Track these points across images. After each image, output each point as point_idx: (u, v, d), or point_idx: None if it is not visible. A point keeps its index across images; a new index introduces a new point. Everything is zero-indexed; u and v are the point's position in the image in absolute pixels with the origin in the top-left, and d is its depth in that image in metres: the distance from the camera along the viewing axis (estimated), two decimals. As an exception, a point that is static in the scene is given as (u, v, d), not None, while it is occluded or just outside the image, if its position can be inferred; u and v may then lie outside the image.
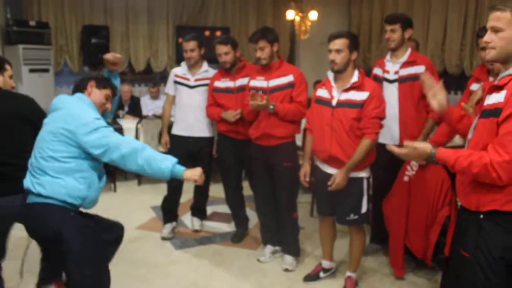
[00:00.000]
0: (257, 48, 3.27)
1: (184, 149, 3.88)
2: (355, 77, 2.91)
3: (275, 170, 3.39)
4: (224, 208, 4.49)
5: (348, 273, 3.18)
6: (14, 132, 2.61)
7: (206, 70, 3.92)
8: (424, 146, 2.03)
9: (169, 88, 4.05)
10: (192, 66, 3.89)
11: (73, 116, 2.34)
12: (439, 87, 2.22)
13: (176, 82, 3.96)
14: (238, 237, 4.01)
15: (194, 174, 2.38)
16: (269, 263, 3.59)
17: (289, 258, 3.51)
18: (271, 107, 3.20)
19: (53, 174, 2.30)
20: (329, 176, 2.96)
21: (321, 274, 3.34)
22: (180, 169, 2.36)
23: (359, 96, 2.87)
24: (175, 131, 4.02)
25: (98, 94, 2.54)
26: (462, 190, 2.11)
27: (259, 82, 3.38)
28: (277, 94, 3.29)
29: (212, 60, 3.96)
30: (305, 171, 3.18)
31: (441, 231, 3.03)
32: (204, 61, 3.94)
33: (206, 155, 4.00)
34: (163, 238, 4.00)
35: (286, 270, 3.45)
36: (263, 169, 3.46)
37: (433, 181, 3.05)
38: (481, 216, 1.96)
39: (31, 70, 6.51)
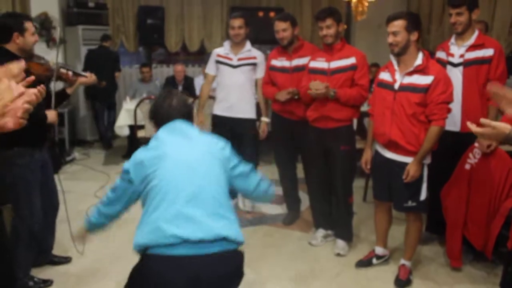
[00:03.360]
0: (324, 26, 3.21)
1: (228, 129, 3.84)
2: (419, 59, 2.79)
3: (331, 153, 3.34)
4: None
5: (403, 261, 3.11)
6: None
7: (249, 50, 3.89)
8: (504, 126, 1.92)
9: (210, 68, 4.01)
10: (236, 45, 3.87)
11: None
12: None
13: (218, 62, 3.93)
14: (289, 219, 4.01)
15: None
16: (321, 247, 3.56)
17: (341, 243, 3.48)
18: (332, 93, 3.14)
19: None
20: (388, 160, 2.90)
21: (374, 261, 3.28)
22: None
23: (423, 80, 2.76)
24: (217, 111, 4.00)
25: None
26: None
27: (320, 63, 3.32)
28: (338, 76, 3.22)
29: (263, 41, 3.92)
30: (366, 157, 3.12)
31: (504, 223, 2.88)
32: (247, 41, 3.91)
33: (250, 138, 3.98)
34: None
35: (338, 254, 3.42)
36: (319, 152, 3.42)
37: (497, 170, 2.90)
38: None
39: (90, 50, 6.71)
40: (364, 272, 3.21)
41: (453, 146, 3.14)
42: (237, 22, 3.79)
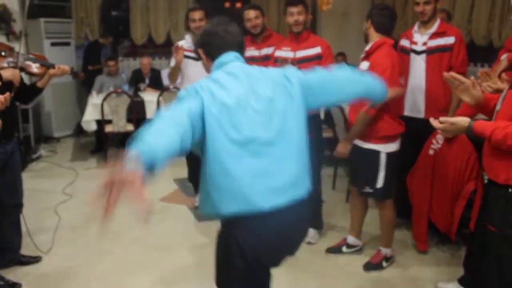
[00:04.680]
0: (295, 12, 3.22)
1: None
2: (368, 46, 2.91)
3: None
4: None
5: (379, 247, 3.18)
6: None
7: None
8: (462, 120, 2.00)
9: (173, 61, 3.90)
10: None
11: None
12: (470, 84, 2.09)
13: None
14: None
15: None
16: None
17: (311, 231, 3.53)
18: None
19: None
20: (353, 146, 3.00)
21: (344, 249, 3.34)
22: None
23: (365, 65, 2.87)
24: None
25: None
26: (490, 164, 2.09)
27: (285, 53, 3.34)
28: (304, 65, 3.25)
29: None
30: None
31: (466, 205, 3.00)
32: None
33: None
34: (196, 207, 4.09)
35: (309, 243, 3.47)
36: None
37: (459, 155, 3.00)
38: (510, 190, 1.96)
39: (53, 44, 6.56)
40: (334, 259, 3.28)
41: (418, 132, 3.22)
42: (197, 15, 3.75)
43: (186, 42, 3.88)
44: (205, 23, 3.71)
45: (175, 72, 3.93)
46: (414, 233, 3.36)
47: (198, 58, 3.72)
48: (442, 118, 2.01)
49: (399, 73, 2.87)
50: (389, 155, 2.93)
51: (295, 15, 3.21)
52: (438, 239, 3.43)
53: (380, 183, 2.95)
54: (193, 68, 3.80)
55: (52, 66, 2.96)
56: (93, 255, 3.31)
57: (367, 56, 2.89)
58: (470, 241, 2.78)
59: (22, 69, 2.85)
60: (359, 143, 2.96)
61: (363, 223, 3.33)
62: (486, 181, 2.18)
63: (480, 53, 5.99)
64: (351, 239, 3.34)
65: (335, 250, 3.35)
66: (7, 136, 2.80)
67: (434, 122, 2.05)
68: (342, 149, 3.00)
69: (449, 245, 3.36)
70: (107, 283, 2.96)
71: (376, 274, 3.08)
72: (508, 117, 1.93)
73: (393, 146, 2.94)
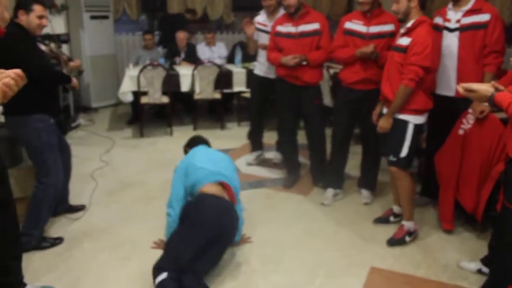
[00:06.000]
0: None
1: (263, 86, 4.38)
2: (410, 23, 2.92)
3: (363, 115, 3.52)
4: (277, 155, 4.71)
5: (402, 222, 3.24)
6: None
7: None
8: (486, 89, 2.00)
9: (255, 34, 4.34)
10: (271, 13, 4.15)
11: None
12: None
13: (257, 29, 4.24)
14: (289, 183, 4.15)
15: None
16: (318, 209, 3.70)
17: (366, 192, 3.82)
18: (375, 55, 3.34)
19: None
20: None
21: (391, 218, 3.46)
22: None
23: (405, 41, 2.93)
24: (257, 71, 4.49)
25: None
26: (509, 140, 2.08)
27: (358, 26, 3.45)
28: (377, 42, 3.37)
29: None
30: (375, 112, 3.30)
31: (494, 187, 2.99)
32: (281, 8, 4.12)
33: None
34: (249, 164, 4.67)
35: (366, 204, 3.75)
36: (348, 113, 3.61)
37: (489, 136, 2.98)
38: None
39: (92, 17, 6.73)
40: (360, 232, 3.35)
41: (448, 111, 3.21)
42: None
43: (261, 17, 4.27)
44: (275, 0, 4.12)
45: (250, 44, 4.45)
46: (440, 213, 3.38)
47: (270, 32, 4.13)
48: (463, 84, 2.03)
49: (438, 52, 2.97)
50: (416, 126, 3.01)
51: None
52: (465, 220, 3.43)
53: (404, 152, 3.03)
54: (266, 41, 4.15)
55: (72, 60, 3.44)
56: (126, 218, 3.49)
57: (408, 32, 2.93)
58: (497, 222, 2.77)
59: (56, 57, 3.23)
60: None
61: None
62: (509, 159, 2.18)
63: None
64: (396, 209, 3.44)
65: (382, 220, 3.46)
66: (54, 110, 3.11)
67: (459, 87, 2.08)
68: (385, 123, 3.05)
69: (476, 226, 3.35)
70: (140, 242, 3.12)
71: (399, 249, 3.12)
72: None
73: (421, 119, 3.03)
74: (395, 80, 2.96)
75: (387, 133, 3.08)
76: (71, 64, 3.39)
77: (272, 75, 4.25)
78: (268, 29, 4.10)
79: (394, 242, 3.17)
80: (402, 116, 2.99)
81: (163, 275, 2.41)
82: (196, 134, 3.37)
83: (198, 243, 2.56)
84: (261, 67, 4.40)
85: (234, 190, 2.97)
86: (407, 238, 3.18)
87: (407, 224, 3.20)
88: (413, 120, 2.99)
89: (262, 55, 4.31)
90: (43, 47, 3.10)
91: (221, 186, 2.92)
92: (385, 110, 3.12)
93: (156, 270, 2.46)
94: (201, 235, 2.60)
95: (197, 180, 2.91)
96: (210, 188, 2.86)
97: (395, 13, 2.99)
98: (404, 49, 2.91)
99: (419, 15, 2.91)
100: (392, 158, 3.08)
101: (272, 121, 5.05)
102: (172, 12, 7.41)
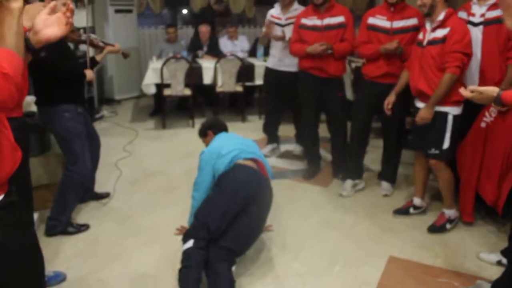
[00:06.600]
0: None
1: (275, 79, 4.45)
2: (441, 15, 2.98)
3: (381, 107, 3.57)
4: (297, 147, 4.77)
5: (443, 209, 3.31)
6: None
7: (296, 9, 4.21)
8: (491, 90, 2.03)
9: (264, 29, 4.42)
10: (285, 6, 4.23)
11: None
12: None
13: (270, 21, 4.32)
14: (309, 174, 4.19)
15: None
16: (337, 201, 3.74)
17: (386, 184, 3.84)
18: (400, 50, 3.39)
19: None
20: (419, 110, 3.12)
21: (411, 210, 3.49)
22: None
23: (442, 32, 2.96)
24: (268, 64, 4.56)
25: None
26: None
27: (381, 21, 3.49)
28: (400, 37, 3.42)
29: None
30: (388, 100, 3.37)
31: (516, 180, 2.98)
32: (295, 1, 4.22)
33: (292, 89, 4.30)
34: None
35: (385, 195, 3.77)
36: (369, 105, 3.66)
37: (512, 129, 2.97)
38: None
39: (117, 11, 6.85)
40: (379, 224, 3.38)
41: (471, 103, 3.19)
42: None
43: (275, 10, 4.35)
44: None
45: (264, 39, 4.54)
46: (461, 205, 3.37)
47: (283, 25, 4.27)
48: (470, 88, 2.06)
49: None
50: (455, 117, 3.06)
51: None
52: (485, 213, 3.42)
53: (446, 144, 3.08)
54: (278, 33, 4.27)
55: (111, 44, 3.48)
56: (149, 206, 3.58)
57: (441, 25, 2.97)
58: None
59: (91, 42, 3.25)
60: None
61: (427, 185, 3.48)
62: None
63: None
64: (417, 201, 3.47)
65: (402, 211, 3.50)
66: (81, 100, 3.21)
67: (464, 91, 2.11)
68: (426, 114, 3.06)
69: (496, 219, 3.35)
70: (163, 229, 3.21)
71: (418, 240, 3.14)
72: None
73: (459, 110, 3.08)
74: (430, 74, 3.00)
75: (425, 127, 3.09)
76: (111, 49, 3.43)
77: (283, 67, 4.32)
78: (282, 22, 4.22)
79: (435, 229, 3.24)
80: (442, 108, 3.04)
81: (190, 243, 2.45)
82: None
83: (231, 210, 2.53)
84: (273, 60, 4.47)
85: (267, 169, 2.94)
86: (448, 225, 3.25)
87: (448, 212, 3.26)
88: (452, 111, 3.04)
89: (275, 47, 4.40)
90: (83, 37, 3.16)
91: (256, 163, 2.87)
92: (419, 104, 3.15)
93: (185, 237, 2.51)
94: (234, 201, 2.55)
95: (232, 157, 2.79)
96: (246, 162, 2.82)
97: (420, 8, 3.02)
98: (441, 40, 2.95)
99: (445, 8, 2.96)
100: (434, 151, 3.11)
101: (288, 115, 5.08)
102: (195, 6, 7.48)
